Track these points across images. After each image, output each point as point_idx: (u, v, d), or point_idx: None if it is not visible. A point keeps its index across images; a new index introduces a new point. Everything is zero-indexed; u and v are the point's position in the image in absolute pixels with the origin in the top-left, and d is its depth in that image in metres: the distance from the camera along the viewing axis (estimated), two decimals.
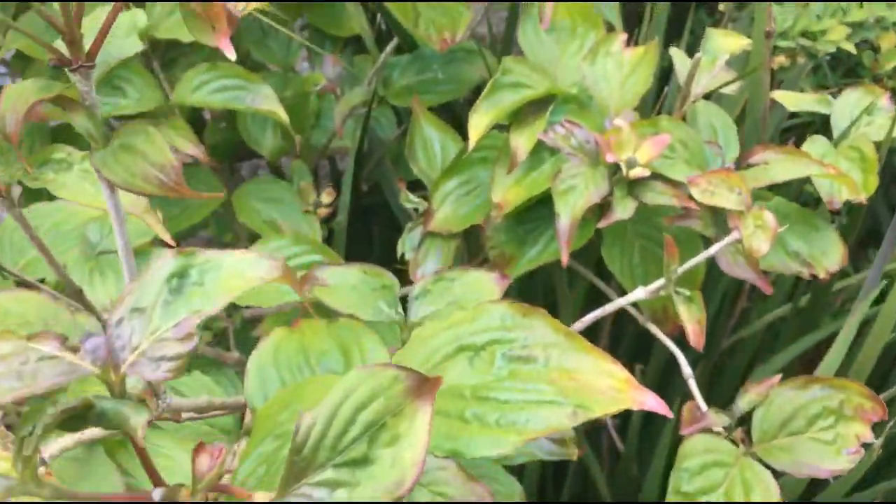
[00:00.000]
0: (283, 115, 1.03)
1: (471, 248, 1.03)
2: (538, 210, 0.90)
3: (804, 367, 1.16)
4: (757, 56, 0.93)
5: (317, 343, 0.65)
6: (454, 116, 1.33)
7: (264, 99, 1.04)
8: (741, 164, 0.90)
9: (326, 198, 1.14)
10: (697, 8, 1.63)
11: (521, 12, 0.95)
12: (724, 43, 1.00)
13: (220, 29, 0.41)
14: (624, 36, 0.93)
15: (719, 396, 1.19)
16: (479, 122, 0.86)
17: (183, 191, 0.54)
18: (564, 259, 0.79)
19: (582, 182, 0.80)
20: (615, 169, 0.81)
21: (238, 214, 1.09)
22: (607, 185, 0.81)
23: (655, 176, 0.83)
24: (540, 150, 0.86)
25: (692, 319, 0.70)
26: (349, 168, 1.17)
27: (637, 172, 0.80)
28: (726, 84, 0.90)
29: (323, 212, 1.12)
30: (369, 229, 1.37)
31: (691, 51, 0.96)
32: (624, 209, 0.80)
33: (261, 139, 1.25)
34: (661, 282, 0.75)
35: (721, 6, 1.46)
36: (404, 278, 1.01)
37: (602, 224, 0.80)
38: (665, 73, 1.16)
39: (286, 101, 1.19)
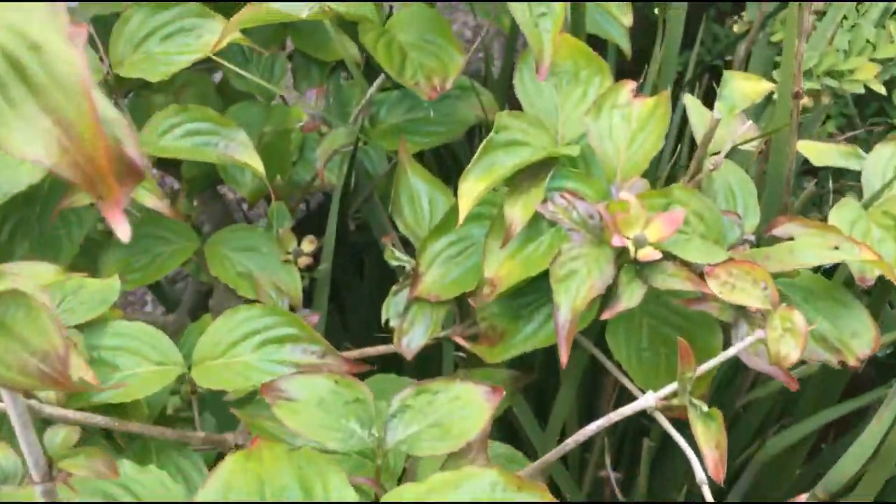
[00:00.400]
0: (259, 166, 0.93)
1: (463, 310, 0.94)
2: (536, 281, 0.80)
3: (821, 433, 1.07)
4: (782, 108, 0.84)
5: (276, 476, 0.56)
6: (446, 159, 1.25)
7: (239, 147, 0.95)
8: (761, 232, 0.81)
9: (307, 246, 1.05)
10: (709, 17, 1.53)
11: (517, 59, 0.86)
12: (743, 89, 0.90)
13: (111, 198, 0.31)
14: (632, 85, 0.84)
15: (729, 455, 1.11)
16: (470, 189, 0.77)
17: (67, 384, 0.43)
18: (564, 358, 0.70)
19: (584, 266, 0.71)
20: (621, 248, 0.72)
21: (210, 266, 1.00)
22: (613, 268, 0.72)
23: (667, 255, 0.74)
24: (538, 220, 0.77)
25: (710, 442, 0.61)
26: (333, 209, 1.08)
27: (647, 254, 0.71)
28: (747, 142, 0.80)
29: (304, 261, 1.04)
30: (360, 269, 1.28)
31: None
32: (631, 296, 0.71)
33: (239, 177, 1.16)
34: (673, 386, 0.66)
35: (735, 27, 1.36)
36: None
37: (607, 315, 0.71)
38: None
39: (266, 138, 1.11)
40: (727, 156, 0.85)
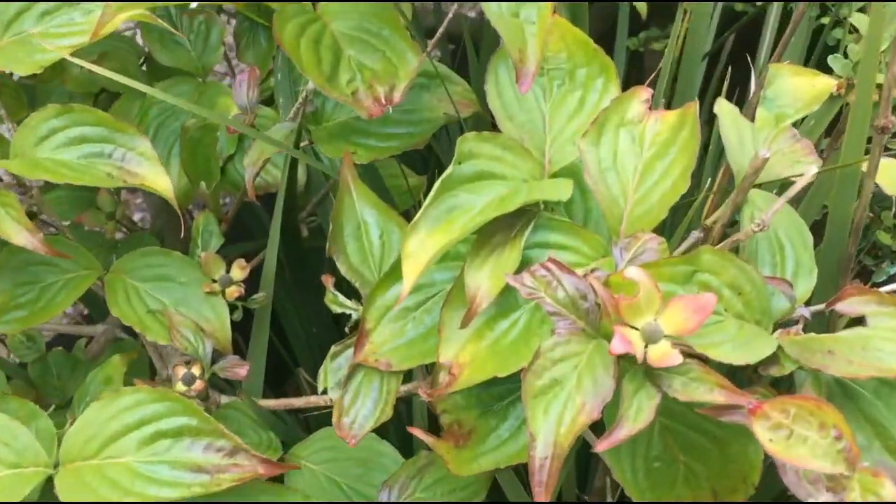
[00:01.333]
0: (165, 187, 0.72)
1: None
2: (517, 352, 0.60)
3: None
4: (855, 134, 0.61)
5: None
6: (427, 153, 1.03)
7: (139, 160, 0.74)
8: (813, 301, 0.60)
9: (238, 272, 0.84)
10: None
11: (491, 60, 0.64)
12: (795, 88, 0.68)
13: None
14: (646, 94, 0.62)
15: None
16: (418, 249, 0.55)
17: None
18: (541, 498, 0.50)
19: (573, 374, 0.50)
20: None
21: (110, 303, 0.80)
22: (612, 377, 0.51)
23: (688, 352, 0.53)
24: (513, 289, 0.56)
25: None
26: (275, 221, 0.87)
27: (661, 357, 0.50)
28: (804, 176, 0.58)
29: (233, 292, 0.83)
30: (313, 279, 1.08)
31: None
32: (638, 415, 0.50)
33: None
34: None
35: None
36: None
37: (601, 447, 0.50)
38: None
39: (190, 133, 0.89)
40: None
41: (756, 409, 0.45)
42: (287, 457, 0.84)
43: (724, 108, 0.66)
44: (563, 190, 0.58)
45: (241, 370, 0.78)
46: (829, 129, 0.84)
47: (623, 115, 0.61)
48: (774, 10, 1.15)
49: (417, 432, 0.64)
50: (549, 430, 0.49)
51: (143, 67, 1.04)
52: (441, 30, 0.74)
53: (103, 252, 1.05)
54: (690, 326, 0.51)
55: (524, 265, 0.57)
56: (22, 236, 0.70)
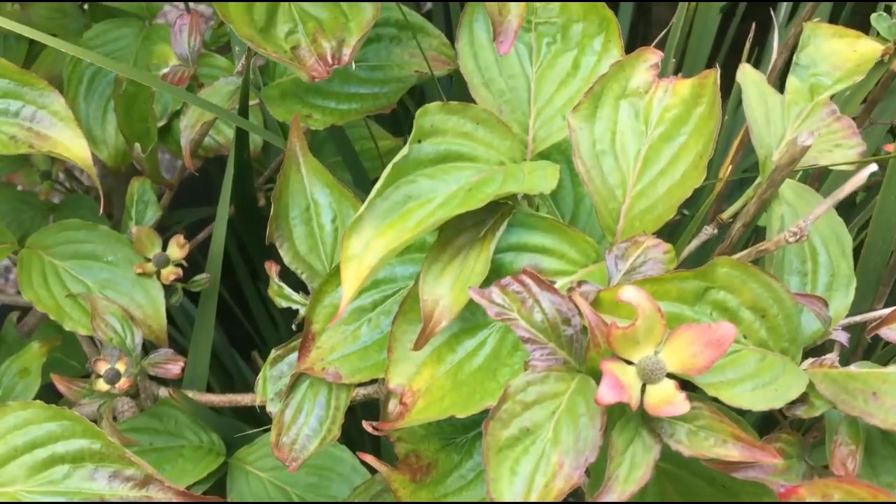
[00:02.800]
0: (81, 152, 0.60)
1: None
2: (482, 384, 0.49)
3: None
4: None
5: None
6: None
7: (52, 119, 0.62)
8: (851, 323, 0.49)
9: (176, 251, 0.73)
10: None
11: (465, 11, 0.52)
12: (834, 52, 0.57)
13: None
14: (655, 57, 0.50)
15: None
16: (362, 251, 0.44)
17: None
18: None
19: (549, 424, 0.39)
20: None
21: (22, 285, 0.69)
22: (599, 429, 0.40)
23: (695, 393, 0.42)
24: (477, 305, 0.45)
25: None
26: (224, 191, 0.76)
27: (662, 402, 0.39)
28: (857, 176, 0.46)
29: (169, 274, 0.72)
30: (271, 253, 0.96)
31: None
32: (632, 473, 0.40)
33: (97, 132, 0.83)
34: None
35: None
36: None
37: None
38: None
39: (124, 88, 0.77)
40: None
41: (789, 493, 0.34)
42: (231, 461, 0.74)
43: (748, 76, 0.54)
44: (547, 179, 0.46)
45: (175, 367, 0.68)
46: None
47: (625, 84, 0.49)
48: None
49: (370, 459, 0.54)
50: (516, 496, 0.38)
51: (86, 7, 0.92)
52: None
53: (38, 216, 0.94)
54: (702, 364, 0.40)
55: (497, 273, 0.46)
56: None
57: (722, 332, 0.40)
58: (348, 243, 0.45)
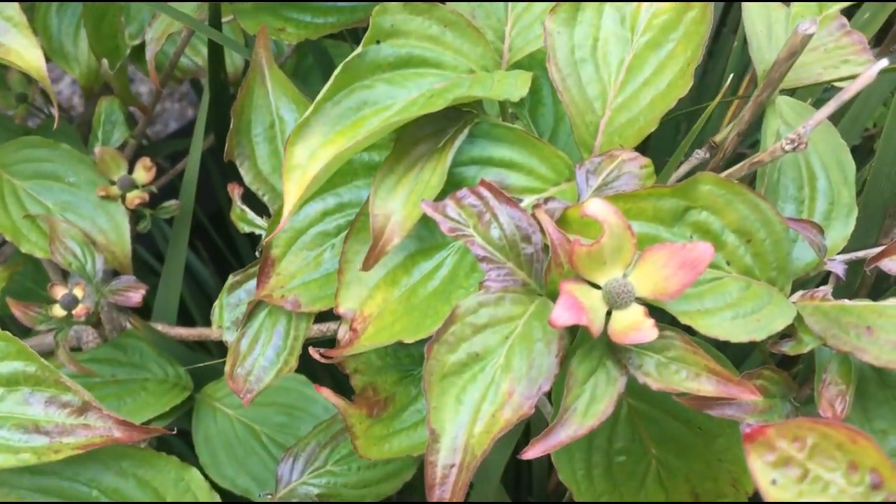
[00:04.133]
0: (37, 65, 0.56)
1: None
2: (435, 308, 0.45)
3: None
4: None
5: None
6: None
7: (6, 26, 0.57)
8: (851, 259, 0.44)
9: (143, 174, 0.69)
10: None
11: None
12: None
13: None
14: None
15: None
16: (305, 166, 0.40)
17: None
18: None
19: (501, 350, 0.35)
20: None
21: None
22: (556, 356, 0.36)
23: (666, 320, 0.38)
24: (436, 224, 0.41)
25: None
26: (201, 114, 0.71)
27: (627, 328, 0.35)
28: (861, 77, 0.41)
29: (135, 198, 0.68)
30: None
31: None
32: (592, 407, 0.35)
33: (69, 48, 0.79)
34: None
35: None
36: None
37: (530, 454, 0.35)
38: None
39: (96, 3, 0.73)
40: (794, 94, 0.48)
41: (755, 434, 0.30)
42: (198, 397, 0.70)
43: None
44: (517, 86, 0.42)
45: (136, 295, 0.64)
46: (884, 28, 0.67)
47: None
48: None
49: (326, 392, 0.50)
50: (459, 427, 0.34)
51: None
52: None
53: (12, 142, 0.90)
54: (674, 288, 0.36)
55: (458, 188, 0.42)
56: None
57: (697, 253, 0.35)
58: (292, 150, 0.40)
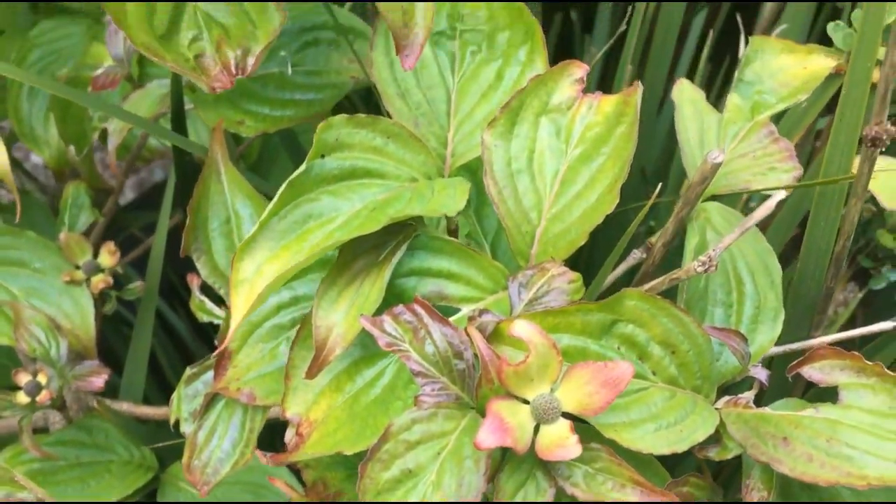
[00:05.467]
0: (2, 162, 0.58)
1: None
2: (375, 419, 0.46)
3: None
4: (842, 141, 0.46)
5: None
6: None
7: None
8: (770, 361, 0.46)
9: (107, 258, 0.70)
10: None
11: (380, 17, 0.49)
12: (782, 69, 0.54)
13: None
14: (579, 72, 0.48)
15: None
16: (252, 280, 0.42)
17: None
18: None
19: (433, 466, 0.37)
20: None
21: None
22: (483, 474, 0.37)
23: (589, 431, 0.39)
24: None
25: None
26: (166, 200, 0.73)
27: (552, 444, 0.37)
28: (772, 199, 0.44)
29: (100, 282, 0.70)
30: None
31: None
32: None
33: (39, 132, 0.81)
34: None
35: None
36: None
37: None
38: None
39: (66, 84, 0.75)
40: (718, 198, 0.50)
41: None
42: (163, 477, 0.72)
43: (683, 92, 0.52)
44: (455, 199, 0.44)
45: (98, 380, 0.65)
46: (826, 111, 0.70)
47: (546, 100, 0.47)
48: None
49: (280, 485, 0.51)
50: None
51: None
52: None
53: None
54: (598, 404, 0.37)
55: (399, 299, 0.43)
56: None
57: (619, 372, 0.37)
58: (238, 266, 0.42)
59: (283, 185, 0.43)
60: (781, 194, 0.40)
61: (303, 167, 0.44)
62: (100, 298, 0.71)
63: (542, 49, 0.50)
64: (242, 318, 0.41)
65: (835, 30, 0.64)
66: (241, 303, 0.42)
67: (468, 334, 0.39)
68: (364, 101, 0.84)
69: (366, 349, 0.44)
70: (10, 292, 0.68)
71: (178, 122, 0.70)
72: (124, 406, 0.71)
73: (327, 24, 0.65)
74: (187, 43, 0.48)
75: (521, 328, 0.37)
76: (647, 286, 0.42)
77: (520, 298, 0.41)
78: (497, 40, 0.52)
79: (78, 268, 0.70)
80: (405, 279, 0.44)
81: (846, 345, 0.46)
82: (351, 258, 0.43)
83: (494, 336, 0.40)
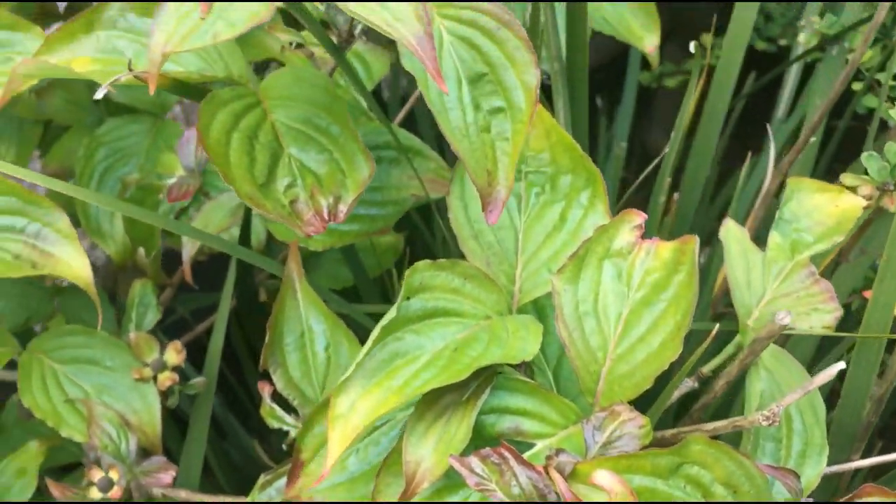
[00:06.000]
0: (84, 274, 0.62)
1: None
2: None
3: None
4: (881, 303, 0.51)
5: None
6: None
7: (56, 237, 0.64)
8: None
9: (174, 356, 0.74)
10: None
11: (457, 166, 0.54)
12: (817, 207, 0.58)
13: None
14: (638, 219, 0.52)
15: None
16: (347, 416, 0.46)
17: None
18: None
19: None
20: None
21: (21, 390, 0.70)
22: None
23: None
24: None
25: None
26: (226, 294, 0.77)
27: None
28: (828, 370, 0.48)
29: (166, 379, 0.74)
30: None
31: None
32: None
33: (105, 227, 0.85)
34: None
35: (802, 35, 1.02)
36: None
37: None
38: None
39: (131, 192, 0.79)
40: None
41: None
42: None
43: (730, 231, 0.56)
44: (529, 343, 0.48)
45: (166, 476, 0.69)
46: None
47: (609, 245, 0.51)
48: (794, 70, 1.05)
49: None
50: None
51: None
52: (407, 106, 0.64)
53: (44, 300, 0.95)
54: None
55: (479, 434, 0.48)
56: None
57: None
58: (335, 402, 0.46)
59: (377, 328, 0.47)
60: (841, 365, 0.44)
61: (393, 311, 0.48)
62: (163, 393, 0.75)
63: (603, 194, 0.55)
64: (339, 453, 0.45)
65: (869, 160, 0.68)
66: (337, 437, 0.46)
67: (550, 476, 0.43)
68: (422, 217, 0.88)
69: (449, 478, 0.48)
70: (83, 389, 0.72)
71: (245, 233, 0.74)
72: (182, 493, 0.75)
73: (389, 144, 0.69)
74: (283, 189, 0.52)
75: (604, 478, 0.41)
76: (710, 426, 0.46)
77: (594, 440, 0.45)
78: (559, 183, 0.56)
79: (146, 365, 0.74)
80: (485, 416, 0.48)
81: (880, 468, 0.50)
82: (437, 395, 0.47)
83: (573, 476, 0.44)
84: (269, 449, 0.99)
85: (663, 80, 1.30)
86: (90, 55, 0.56)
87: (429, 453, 0.46)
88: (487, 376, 0.47)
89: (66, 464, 0.87)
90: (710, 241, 0.86)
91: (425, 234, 0.95)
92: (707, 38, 1.15)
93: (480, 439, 0.47)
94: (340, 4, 0.43)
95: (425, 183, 0.70)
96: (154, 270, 0.78)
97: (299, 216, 0.52)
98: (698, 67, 0.78)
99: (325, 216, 0.52)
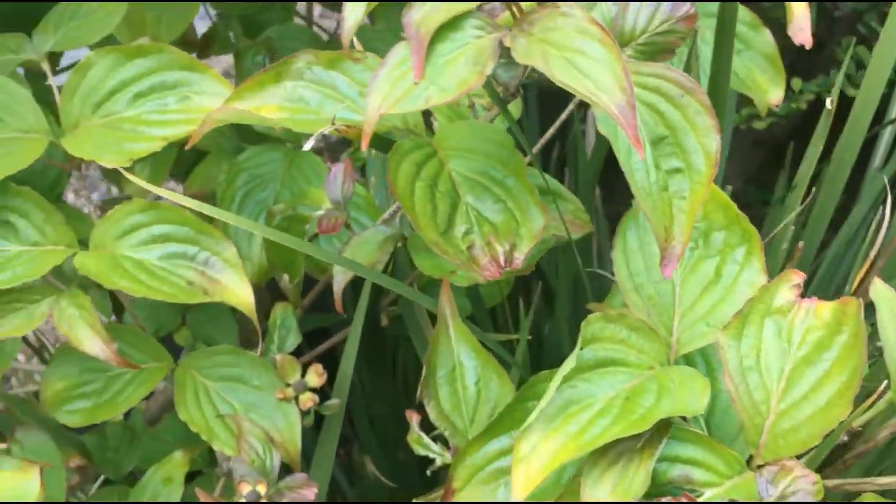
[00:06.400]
0: (247, 302, 0.66)
1: None
2: None
3: None
4: None
5: None
6: None
7: (223, 266, 0.68)
8: None
9: (314, 378, 0.78)
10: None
11: (621, 222, 0.57)
12: None
13: None
14: (797, 279, 0.55)
15: None
16: (529, 458, 0.49)
17: None
18: None
19: None
20: None
21: (178, 403, 0.74)
22: None
23: None
24: None
25: None
26: (358, 314, 0.81)
27: None
28: None
29: (307, 400, 0.77)
30: (390, 366, 1.01)
31: None
32: None
33: (244, 249, 0.89)
34: None
35: None
36: None
37: None
38: None
39: (276, 222, 0.83)
40: None
41: None
42: None
43: (881, 293, 0.58)
44: (697, 397, 0.51)
45: (309, 493, 0.73)
46: None
47: (770, 303, 0.54)
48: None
49: None
50: None
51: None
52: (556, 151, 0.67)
53: (174, 313, 0.99)
54: None
55: (652, 480, 0.51)
56: (94, 345, 0.65)
57: None
58: (519, 446, 0.50)
59: (557, 377, 0.51)
60: None
61: (572, 361, 0.51)
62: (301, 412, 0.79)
63: (759, 252, 0.58)
64: (525, 494, 0.49)
65: None
66: (521, 478, 0.49)
67: None
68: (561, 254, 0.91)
69: None
70: (232, 406, 0.76)
71: (387, 267, 0.78)
72: None
73: (540, 187, 0.73)
74: (461, 236, 0.56)
75: None
76: (881, 481, 0.49)
77: (767, 493, 0.48)
78: (712, 238, 0.59)
79: (289, 385, 0.78)
80: (658, 464, 0.51)
81: None
82: (612, 441, 0.51)
83: None
84: (379, 465, 1.03)
85: (751, 122, 1.31)
86: (277, 103, 0.60)
87: (605, 496, 0.49)
88: (662, 426, 0.51)
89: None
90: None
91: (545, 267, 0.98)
92: (796, 82, 1.17)
93: (652, 485, 0.50)
94: (551, 77, 0.47)
95: (567, 224, 0.73)
96: (294, 296, 0.82)
97: (476, 261, 0.56)
98: (827, 117, 0.80)
99: (502, 262, 0.56)
